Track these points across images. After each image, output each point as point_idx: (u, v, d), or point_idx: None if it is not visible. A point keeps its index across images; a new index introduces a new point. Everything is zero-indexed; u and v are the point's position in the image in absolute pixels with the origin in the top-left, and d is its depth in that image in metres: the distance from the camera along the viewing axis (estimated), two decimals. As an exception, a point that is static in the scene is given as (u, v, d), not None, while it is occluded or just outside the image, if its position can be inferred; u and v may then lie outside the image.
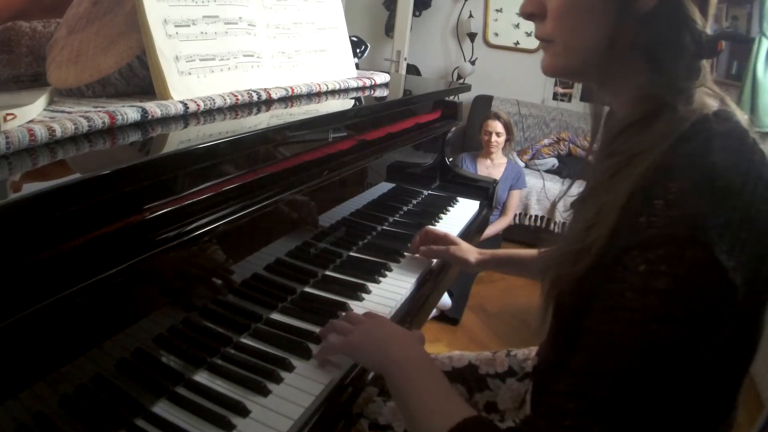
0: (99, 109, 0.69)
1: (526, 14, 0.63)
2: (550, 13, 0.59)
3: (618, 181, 0.56)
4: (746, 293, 0.51)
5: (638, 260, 0.50)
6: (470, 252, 1.09)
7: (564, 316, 0.63)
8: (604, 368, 0.51)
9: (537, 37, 0.63)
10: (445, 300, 2.39)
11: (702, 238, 0.48)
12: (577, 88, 3.87)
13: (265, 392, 0.69)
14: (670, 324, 0.49)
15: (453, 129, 1.60)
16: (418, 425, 0.62)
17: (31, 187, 0.49)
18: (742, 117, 0.58)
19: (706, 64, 0.60)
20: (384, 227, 1.27)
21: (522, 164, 3.40)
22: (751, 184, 0.51)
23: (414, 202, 1.46)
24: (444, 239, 1.12)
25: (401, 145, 1.27)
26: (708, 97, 0.58)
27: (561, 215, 3.09)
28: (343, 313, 0.87)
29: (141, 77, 0.83)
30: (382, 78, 1.30)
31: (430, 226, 1.19)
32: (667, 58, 0.57)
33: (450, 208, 1.47)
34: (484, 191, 1.59)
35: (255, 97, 0.88)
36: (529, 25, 3.86)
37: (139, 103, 0.72)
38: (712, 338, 0.50)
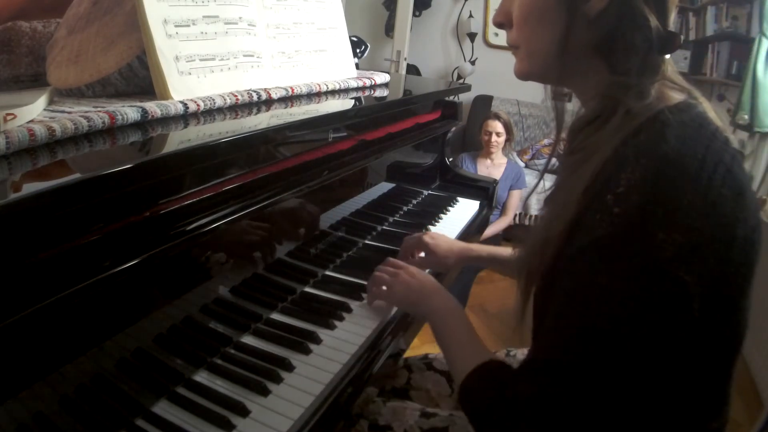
0: (99, 109, 0.69)
1: (496, 23, 0.67)
2: (513, 21, 0.64)
3: (577, 177, 0.58)
4: (710, 283, 0.51)
5: (589, 259, 0.53)
6: (448, 257, 1.06)
7: (540, 314, 0.65)
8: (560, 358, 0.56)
9: (508, 44, 0.67)
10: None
11: (645, 232, 0.50)
12: (577, 88, 3.87)
13: (265, 392, 0.69)
14: (619, 321, 0.51)
15: (453, 129, 1.60)
16: (453, 365, 0.76)
17: (31, 187, 0.49)
18: (708, 108, 0.59)
19: (668, 59, 0.61)
20: (384, 227, 1.27)
21: (522, 164, 3.40)
22: (708, 169, 0.51)
23: (414, 202, 1.46)
24: (418, 247, 1.07)
25: (401, 145, 1.27)
26: (672, 91, 0.59)
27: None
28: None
29: (141, 77, 0.83)
30: (382, 78, 1.30)
31: (408, 237, 1.11)
32: (619, 56, 0.59)
33: (450, 208, 1.47)
34: (484, 191, 1.59)
35: (255, 97, 0.88)
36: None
37: (139, 103, 0.72)
38: (666, 329, 0.51)
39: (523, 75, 0.67)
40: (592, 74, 0.62)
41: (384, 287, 0.90)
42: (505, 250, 1.06)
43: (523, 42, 0.64)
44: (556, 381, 0.55)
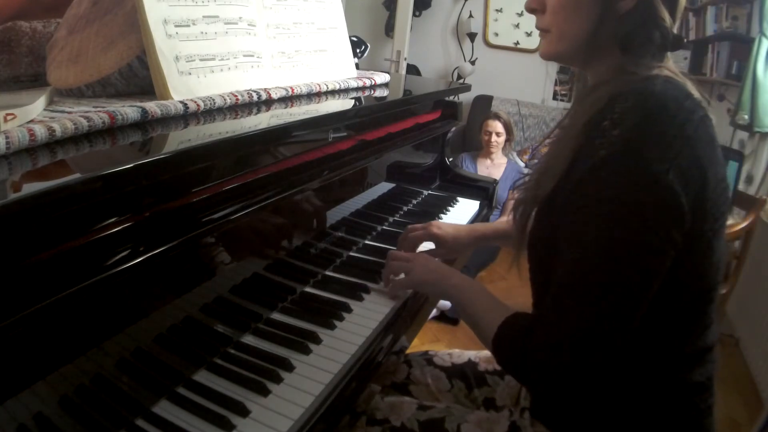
0: (99, 109, 0.69)
1: (529, 9, 0.76)
2: (548, 8, 0.73)
3: (578, 115, 0.70)
4: (694, 205, 0.61)
5: (595, 177, 0.62)
6: (458, 242, 1.10)
7: (537, 250, 0.75)
8: (576, 281, 0.64)
9: (537, 27, 0.76)
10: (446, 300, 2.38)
11: (640, 148, 0.60)
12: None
13: (265, 392, 0.69)
14: (630, 227, 0.60)
15: (453, 129, 1.60)
16: (482, 328, 0.79)
17: (31, 187, 0.49)
18: (695, 90, 0.69)
19: (668, 55, 0.72)
20: (384, 227, 1.27)
21: (522, 164, 3.40)
22: (685, 112, 0.63)
23: (414, 202, 1.46)
24: (426, 239, 1.09)
25: (401, 145, 1.27)
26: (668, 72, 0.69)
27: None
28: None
29: (141, 77, 0.83)
30: (382, 78, 1.30)
31: (411, 227, 1.11)
32: (638, 48, 0.69)
33: (450, 208, 1.47)
34: (484, 191, 1.59)
35: (255, 97, 0.88)
36: (529, 25, 3.87)
37: (139, 103, 0.72)
38: (669, 235, 0.60)
39: (550, 56, 0.76)
40: (608, 58, 0.72)
41: (402, 274, 0.94)
42: (505, 224, 1.11)
43: (555, 27, 0.73)
44: (580, 303, 0.63)
